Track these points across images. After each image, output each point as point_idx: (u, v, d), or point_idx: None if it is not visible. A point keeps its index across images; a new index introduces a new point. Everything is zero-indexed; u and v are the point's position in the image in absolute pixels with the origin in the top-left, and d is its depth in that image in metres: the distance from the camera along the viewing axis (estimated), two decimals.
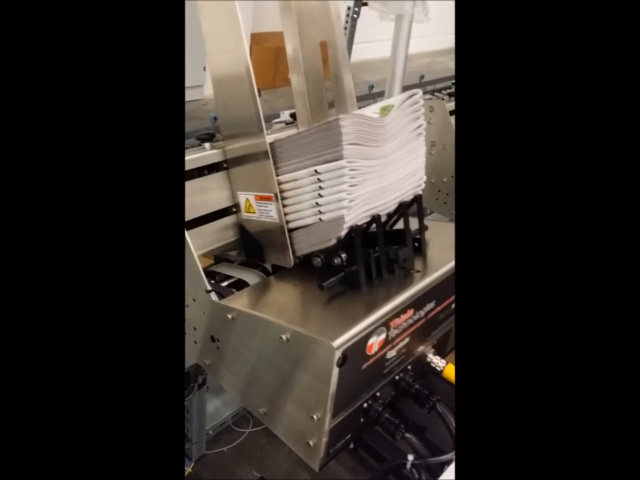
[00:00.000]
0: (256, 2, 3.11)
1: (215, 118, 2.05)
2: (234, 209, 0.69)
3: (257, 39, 3.37)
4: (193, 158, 0.66)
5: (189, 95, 3.12)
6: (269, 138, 0.63)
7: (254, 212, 0.65)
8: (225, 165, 0.68)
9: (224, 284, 0.67)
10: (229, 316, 0.56)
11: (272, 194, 0.61)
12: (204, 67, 3.10)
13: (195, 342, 0.62)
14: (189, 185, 0.64)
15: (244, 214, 0.67)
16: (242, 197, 0.66)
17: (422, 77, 1.93)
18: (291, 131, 0.77)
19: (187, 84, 3.18)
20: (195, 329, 0.61)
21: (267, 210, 0.63)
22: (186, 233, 0.58)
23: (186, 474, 1.30)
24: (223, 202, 0.69)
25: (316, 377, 0.48)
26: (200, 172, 0.68)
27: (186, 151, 0.68)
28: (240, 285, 0.66)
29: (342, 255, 0.59)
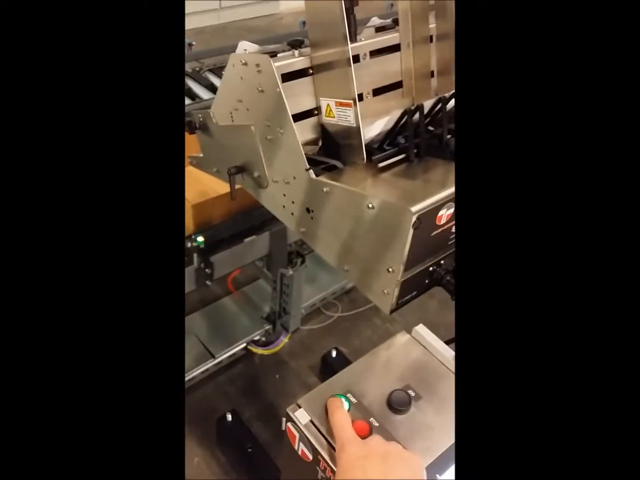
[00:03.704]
0: None
1: (304, 23, 2.14)
2: (316, 112, 0.74)
3: None
4: (283, 64, 0.69)
5: (264, 10, 3.08)
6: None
7: (334, 117, 0.72)
8: (311, 71, 0.71)
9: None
10: (324, 190, 0.66)
11: (351, 100, 0.68)
12: None
13: (293, 214, 0.74)
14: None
15: (325, 118, 0.73)
16: (324, 103, 0.72)
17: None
18: (382, 37, 0.77)
19: None
20: (293, 202, 0.73)
21: (345, 115, 0.70)
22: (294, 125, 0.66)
23: (282, 344, 1.52)
24: (308, 105, 0.73)
25: (396, 237, 0.60)
26: (290, 77, 0.69)
27: (278, 55, 0.71)
28: (331, 168, 0.73)
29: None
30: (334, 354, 1.48)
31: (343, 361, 1.46)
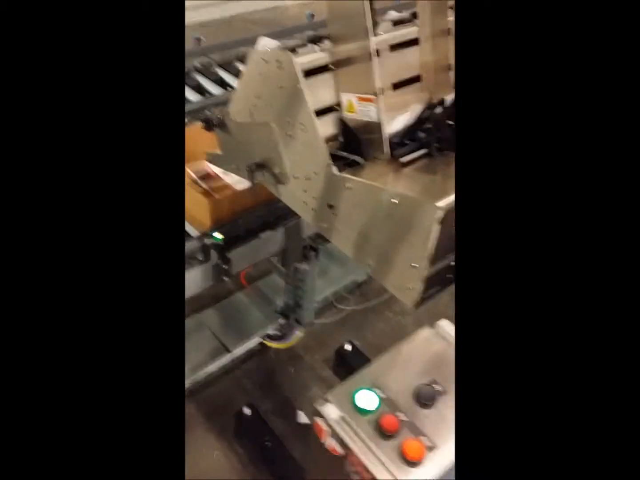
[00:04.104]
0: None
1: (312, 15, 2.11)
2: (337, 107, 0.73)
3: None
4: (304, 61, 0.69)
5: (268, 2, 3.06)
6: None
7: (355, 112, 0.71)
8: (331, 67, 0.71)
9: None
10: (347, 185, 0.66)
11: (373, 95, 0.68)
12: None
13: (314, 210, 0.73)
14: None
15: (345, 113, 0.73)
16: (345, 98, 0.72)
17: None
18: (402, 31, 0.77)
19: None
20: (314, 198, 0.72)
21: (367, 110, 0.70)
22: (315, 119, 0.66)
23: (297, 338, 1.53)
24: (327, 101, 0.73)
25: (421, 233, 0.59)
26: (310, 73, 0.69)
27: (298, 51, 0.71)
28: (351, 164, 0.73)
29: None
30: (347, 347, 1.48)
31: (357, 354, 1.47)
